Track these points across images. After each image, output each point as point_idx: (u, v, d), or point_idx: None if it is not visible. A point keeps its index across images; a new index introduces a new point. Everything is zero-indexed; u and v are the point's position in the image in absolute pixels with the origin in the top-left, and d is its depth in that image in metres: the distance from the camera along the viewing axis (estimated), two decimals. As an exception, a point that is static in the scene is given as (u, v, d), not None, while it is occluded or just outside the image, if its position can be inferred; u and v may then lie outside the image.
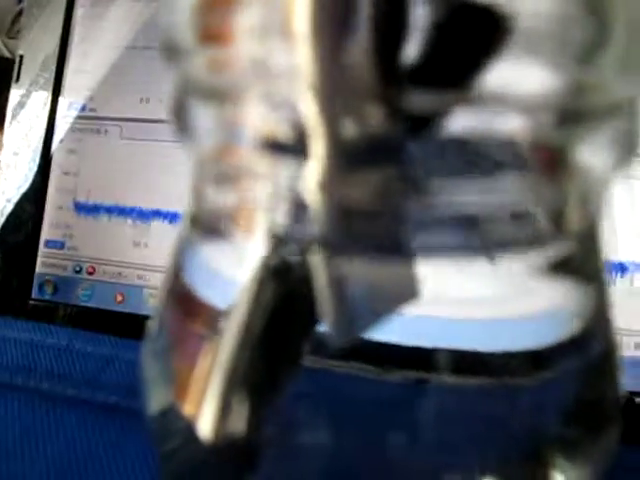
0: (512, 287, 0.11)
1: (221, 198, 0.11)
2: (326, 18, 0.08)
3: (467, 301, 0.11)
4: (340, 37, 0.08)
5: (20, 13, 0.37)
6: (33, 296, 0.29)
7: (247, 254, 0.11)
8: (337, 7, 0.08)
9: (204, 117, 0.10)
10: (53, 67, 0.29)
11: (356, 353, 0.11)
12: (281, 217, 0.10)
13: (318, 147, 0.09)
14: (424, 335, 0.11)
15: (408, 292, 0.10)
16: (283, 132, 0.09)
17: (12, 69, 0.30)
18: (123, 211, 0.28)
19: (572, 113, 0.09)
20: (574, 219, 0.10)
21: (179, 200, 0.27)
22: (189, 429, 0.12)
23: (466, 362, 0.11)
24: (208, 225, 0.12)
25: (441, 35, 0.08)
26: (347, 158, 0.09)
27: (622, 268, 0.23)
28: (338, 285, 0.10)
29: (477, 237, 0.10)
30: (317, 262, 0.10)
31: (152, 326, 0.13)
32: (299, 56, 0.08)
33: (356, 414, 0.11)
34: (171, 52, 0.11)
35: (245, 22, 0.09)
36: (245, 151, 0.10)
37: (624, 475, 0.20)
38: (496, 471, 0.11)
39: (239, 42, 0.09)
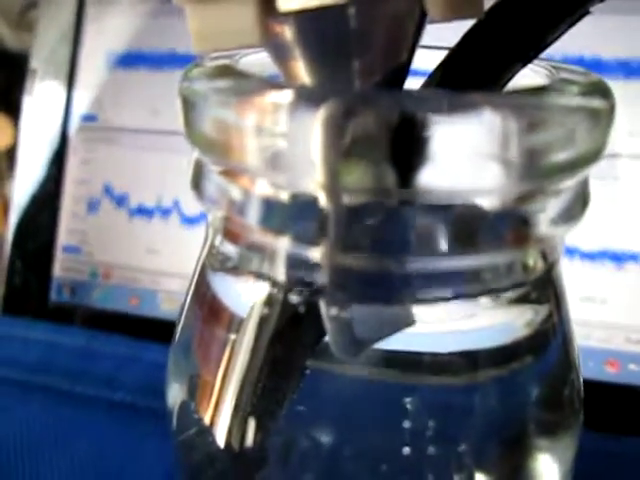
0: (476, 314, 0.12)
1: (228, 249, 0.12)
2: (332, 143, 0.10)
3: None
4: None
5: (28, 5, 0.38)
6: (52, 299, 0.30)
7: (253, 292, 0.13)
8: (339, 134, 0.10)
9: (214, 188, 0.12)
10: (64, 79, 0.30)
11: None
12: (281, 270, 0.12)
13: (326, 226, 0.10)
14: (405, 342, 0.12)
15: (405, 322, 0.12)
16: (284, 211, 0.11)
17: (22, 62, 0.31)
18: (135, 217, 0.29)
19: (527, 194, 0.10)
20: (536, 267, 0.12)
21: (188, 207, 0.28)
22: (204, 426, 0.13)
23: (439, 363, 0.12)
24: (219, 262, 0.13)
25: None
26: (346, 231, 0.11)
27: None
28: (344, 323, 0.12)
29: (453, 288, 0.11)
30: (325, 307, 0.12)
31: (179, 322, 0.14)
32: (317, 171, 0.10)
33: (346, 415, 0.13)
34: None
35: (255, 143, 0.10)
36: (249, 224, 0.11)
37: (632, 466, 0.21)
38: (482, 460, 0.13)
39: (250, 145, 0.10)
